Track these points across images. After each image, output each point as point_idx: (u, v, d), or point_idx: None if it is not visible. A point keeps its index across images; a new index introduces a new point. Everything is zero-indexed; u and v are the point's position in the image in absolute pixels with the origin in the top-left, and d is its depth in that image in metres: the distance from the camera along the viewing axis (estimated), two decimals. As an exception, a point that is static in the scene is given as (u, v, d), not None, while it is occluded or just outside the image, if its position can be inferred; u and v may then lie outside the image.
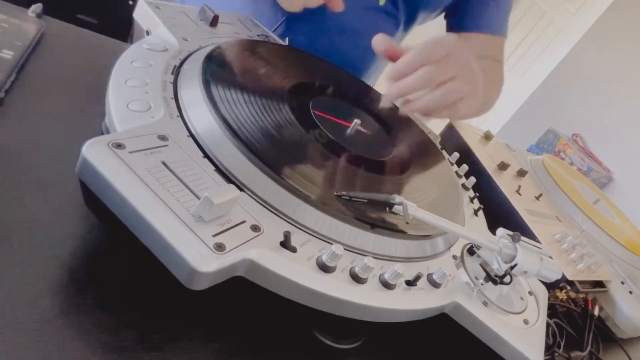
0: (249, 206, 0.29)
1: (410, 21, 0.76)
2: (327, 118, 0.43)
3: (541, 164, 0.79)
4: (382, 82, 0.62)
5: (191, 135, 0.31)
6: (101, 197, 0.25)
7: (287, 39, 0.56)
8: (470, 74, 0.51)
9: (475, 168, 0.63)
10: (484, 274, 0.38)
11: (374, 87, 0.59)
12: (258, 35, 0.54)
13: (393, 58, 0.52)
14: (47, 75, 0.41)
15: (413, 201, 0.34)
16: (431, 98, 0.47)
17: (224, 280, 0.25)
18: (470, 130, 0.75)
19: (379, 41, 0.52)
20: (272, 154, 0.33)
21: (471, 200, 0.52)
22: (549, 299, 0.45)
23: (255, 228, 0.27)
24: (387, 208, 0.34)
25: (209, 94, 0.34)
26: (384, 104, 0.48)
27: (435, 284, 0.34)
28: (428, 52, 0.46)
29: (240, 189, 0.30)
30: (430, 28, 0.81)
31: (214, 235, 0.25)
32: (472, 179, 0.55)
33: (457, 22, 0.77)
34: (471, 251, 0.41)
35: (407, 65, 0.45)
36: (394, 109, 0.57)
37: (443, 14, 0.79)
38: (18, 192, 0.30)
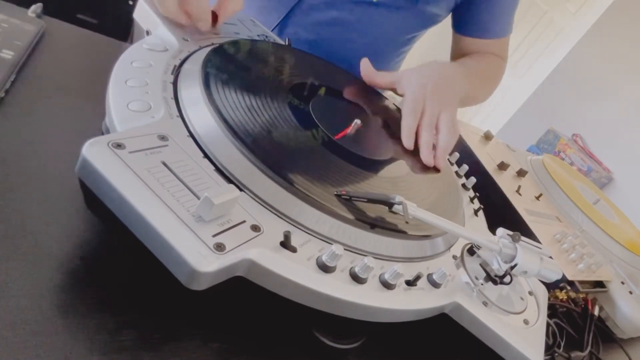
0: (249, 206, 0.29)
1: (412, 7, 0.71)
2: (327, 118, 0.43)
3: (541, 164, 0.79)
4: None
5: (191, 135, 0.31)
6: (101, 197, 0.25)
7: (287, 39, 0.56)
8: (445, 91, 0.54)
9: (475, 168, 0.63)
10: (484, 274, 0.38)
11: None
12: (258, 35, 0.54)
13: (374, 84, 0.57)
14: (47, 75, 0.41)
15: (413, 201, 0.34)
16: (445, 140, 0.51)
17: (224, 280, 0.25)
18: (470, 130, 0.75)
19: (362, 66, 0.57)
20: (272, 154, 0.33)
21: (471, 200, 0.52)
22: (549, 299, 0.45)
23: (255, 228, 0.27)
24: (387, 207, 0.34)
25: (209, 94, 0.34)
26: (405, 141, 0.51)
27: (435, 284, 0.34)
28: (415, 111, 0.51)
29: (240, 189, 0.30)
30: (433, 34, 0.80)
31: (214, 235, 0.25)
32: (472, 179, 0.55)
33: (461, 24, 0.77)
34: (471, 251, 0.41)
35: (411, 128, 0.51)
36: (394, 109, 0.57)
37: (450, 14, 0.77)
38: (18, 192, 0.30)
